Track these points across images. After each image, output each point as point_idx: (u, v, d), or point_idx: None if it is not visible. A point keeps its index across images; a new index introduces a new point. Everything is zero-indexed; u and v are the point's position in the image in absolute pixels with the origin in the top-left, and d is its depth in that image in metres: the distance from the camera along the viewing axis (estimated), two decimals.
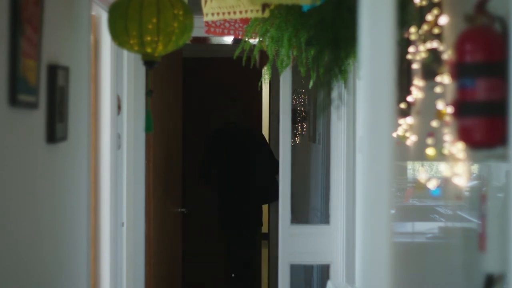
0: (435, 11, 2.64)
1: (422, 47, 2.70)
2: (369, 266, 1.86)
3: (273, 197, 6.81)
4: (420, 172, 2.94)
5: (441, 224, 2.95)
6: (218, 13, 3.61)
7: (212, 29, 4.87)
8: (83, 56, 3.81)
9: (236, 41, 7.43)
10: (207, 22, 4.81)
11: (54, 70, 3.22)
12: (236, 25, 4.84)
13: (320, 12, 2.88)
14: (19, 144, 2.88)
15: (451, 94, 2.46)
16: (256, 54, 3.95)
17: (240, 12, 3.54)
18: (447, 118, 2.52)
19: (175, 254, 6.79)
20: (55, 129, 3.25)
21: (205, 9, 3.64)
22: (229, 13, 3.58)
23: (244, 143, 7.38)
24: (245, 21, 4.66)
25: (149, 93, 3.68)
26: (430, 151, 2.64)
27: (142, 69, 5.16)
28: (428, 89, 2.69)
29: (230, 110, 7.52)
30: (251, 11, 3.48)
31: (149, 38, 3.23)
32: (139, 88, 5.27)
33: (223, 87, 8.30)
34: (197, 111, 8.31)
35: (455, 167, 2.49)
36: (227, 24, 4.85)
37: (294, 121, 6.76)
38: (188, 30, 3.31)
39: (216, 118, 7.84)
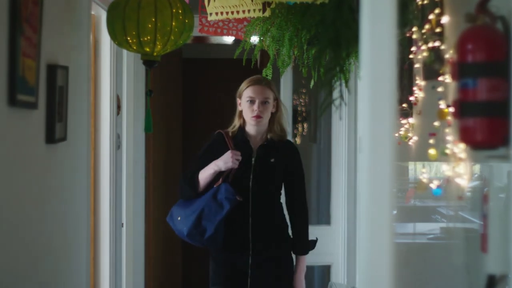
0: (436, 11, 2.62)
1: (423, 47, 2.69)
2: (371, 267, 1.85)
3: None
4: (421, 172, 2.93)
5: (443, 224, 2.93)
6: (222, 13, 3.60)
7: (205, 28, 4.86)
8: (83, 55, 3.80)
9: (237, 41, 7.42)
10: (201, 21, 4.81)
11: (53, 69, 3.20)
12: (230, 25, 4.82)
13: (321, 11, 2.86)
14: (18, 144, 2.86)
15: (453, 94, 2.45)
16: (257, 54, 3.94)
17: (244, 11, 3.53)
18: (449, 118, 2.51)
19: (174, 254, 6.78)
20: (55, 130, 3.24)
21: (208, 9, 3.63)
22: (232, 12, 3.57)
23: None
24: (240, 20, 4.64)
25: (149, 93, 3.66)
26: (432, 151, 2.62)
27: (142, 69, 5.16)
28: (430, 89, 2.68)
29: None
30: (254, 10, 3.47)
31: (147, 38, 3.22)
32: (139, 88, 5.27)
33: (224, 87, 8.29)
34: (197, 112, 8.30)
35: (456, 167, 2.48)
36: (220, 24, 4.84)
37: (295, 121, 6.75)
38: (187, 29, 3.30)
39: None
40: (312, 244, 4.29)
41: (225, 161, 4.08)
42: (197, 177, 4.12)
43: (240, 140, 4.21)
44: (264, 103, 4.18)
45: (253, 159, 4.19)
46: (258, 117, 4.18)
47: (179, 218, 4.20)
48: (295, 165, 4.26)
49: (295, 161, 4.27)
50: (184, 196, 4.21)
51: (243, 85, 4.24)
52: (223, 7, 3.57)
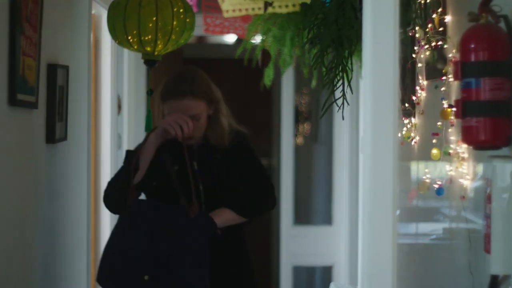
0: (439, 10, 2.61)
1: (426, 46, 2.67)
2: (373, 267, 1.84)
3: None
4: (424, 172, 2.91)
5: (446, 225, 2.92)
6: (240, 10, 3.60)
7: (211, 28, 4.86)
8: (83, 55, 3.79)
9: (239, 41, 7.42)
10: (206, 21, 4.80)
11: (53, 69, 3.19)
12: (236, 24, 4.82)
13: (323, 11, 2.85)
14: (18, 144, 2.85)
15: (455, 93, 2.44)
16: (258, 54, 3.93)
17: (259, 8, 3.53)
18: (452, 118, 2.50)
19: None
20: (55, 129, 3.23)
21: (223, 6, 3.63)
22: (247, 9, 3.56)
23: None
24: (245, 19, 4.64)
25: (149, 92, 3.65)
26: (434, 151, 2.61)
27: (142, 69, 5.15)
28: (433, 89, 2.66)
29: None
30: (273, 7, 3.46)
31: (148, 37, 3.20)
32: (140, 88, 5.26)
33: (224, 87, 8.27)
34: None
35: (459, 167, 2.47)
36: (226, 23, 4.83)
37: (296, 121, 6.74)
38: (188, 28, 3.28)
39: None
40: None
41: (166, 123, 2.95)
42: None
43: (175, 140, 3.02)
44: (193, 119, 3.05)
45: (195, 163, 3.06)
46: (187, 138, 3.04)
47: None
48: (251, 162, 3.15)
49: (251, 157, 3.16)
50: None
51: (160, 95, 3.12)
52: (241, 4, 3.57)
